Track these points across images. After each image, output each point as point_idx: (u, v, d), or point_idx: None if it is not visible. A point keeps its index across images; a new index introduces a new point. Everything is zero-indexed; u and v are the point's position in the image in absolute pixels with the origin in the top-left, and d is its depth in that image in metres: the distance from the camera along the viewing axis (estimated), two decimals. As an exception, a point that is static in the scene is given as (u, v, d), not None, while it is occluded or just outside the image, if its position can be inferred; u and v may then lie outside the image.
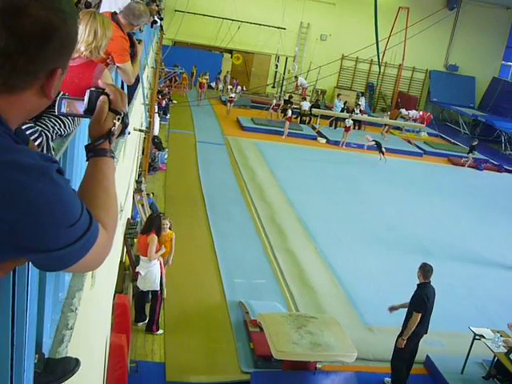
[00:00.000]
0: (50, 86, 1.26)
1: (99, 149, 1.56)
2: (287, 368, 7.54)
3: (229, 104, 27.13)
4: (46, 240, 1.19)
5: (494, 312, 10.91)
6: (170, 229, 9.61)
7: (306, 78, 32.82)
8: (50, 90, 1.26)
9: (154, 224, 8.63)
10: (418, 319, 7.60)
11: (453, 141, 29.96)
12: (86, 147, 1.59)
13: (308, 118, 28.22)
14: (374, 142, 22.20)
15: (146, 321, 8.71)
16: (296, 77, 33.29)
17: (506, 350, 8.02)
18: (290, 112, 25.18)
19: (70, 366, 1.99)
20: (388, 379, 8.15)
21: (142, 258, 8.54)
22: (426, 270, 7.85)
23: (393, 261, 12.79)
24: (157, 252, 8.44)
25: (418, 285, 7.90)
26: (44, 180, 1.17)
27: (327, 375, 7.64)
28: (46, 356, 1.97)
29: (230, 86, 31.15)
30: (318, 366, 7.79)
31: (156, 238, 8.42)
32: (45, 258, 1.22)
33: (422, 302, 7.64)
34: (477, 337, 8.56)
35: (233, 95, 27.56)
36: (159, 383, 7.59)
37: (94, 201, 1.43)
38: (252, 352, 8.44)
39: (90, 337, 3.31)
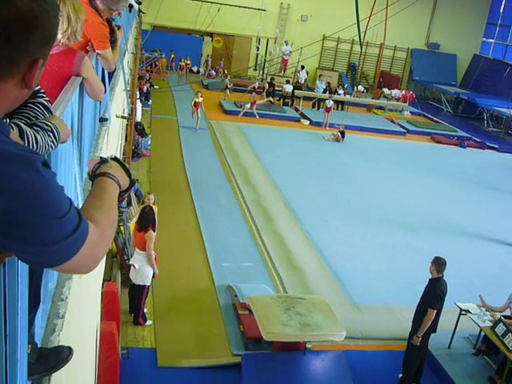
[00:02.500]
0: (31, 77, 1.27)
1: (98, 173, 1.67)
2: (277, 349, 7.61)
3: (227, 91, 27.09)
4: (36, 230, 1.19)
5: (479, 287, 11.06)
6: (153, 204, 9.62)
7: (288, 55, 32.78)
8: (31, 80, 1.27)
9: (148, 219, 8.50)
10: (434, 316, 7.40)
11: (436, 119, 30.08)
12: (90, 178, 1.72)
13: (290, 100, 28.19)
14: (334, 136, 22.25)
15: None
16: (286, 42, 33.20)
17: (491, 324, 8.15)
18: (265, 96, 25.17)
19: (63, 354, 2.00)
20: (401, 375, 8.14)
21: (137, 250, 8.47)
22: (439, 264, 7.48)
23: (379, 239, 12.91)
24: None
25: (431, 280, 7.58)
26: (30, 170, 1.17)
27: (317, 355, 7.73)
28: (39, 346, 1.97)
29: (228, 78, 30.83)
30: (308, 346, 7.87)
31: (153, 234, 8.32)
32: (36, 252, 1.22)
33: (438, 298, 7.37)
34: (463, 312, 8.69)
35: (227, 81, 27.67)
36: (151, 369, 7.64)
37: (88, 204, 1.48)
38: (242, 334, 8.51)
39: (81, 325, 3.32)
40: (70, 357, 2.02)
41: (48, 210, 1.20)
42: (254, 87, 26.90)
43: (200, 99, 21.30)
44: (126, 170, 1.77)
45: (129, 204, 10.39)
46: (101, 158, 1.71)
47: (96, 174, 1.66)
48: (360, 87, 30.64)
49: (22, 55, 1.22)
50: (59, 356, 1.98)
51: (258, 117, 24.16)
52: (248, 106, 24.15)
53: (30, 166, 1.18)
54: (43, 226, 1.20)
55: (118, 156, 11.43)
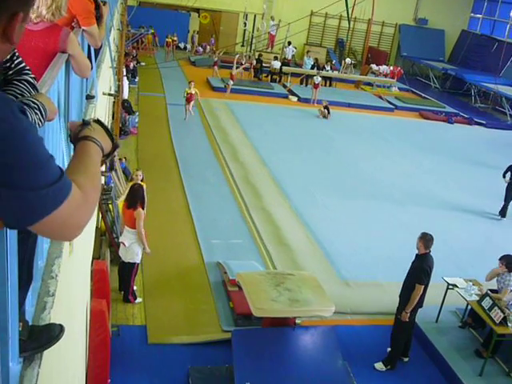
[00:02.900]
0: (12, 30, 1.28)
1: (81, 137, 1.61)
2: (267, 325, 7.67)
3: (215, 68, 26.83)
4: (14, 171, 1.17)
5: (465, 261, 11.20)
6: (141, 181, 9.63)
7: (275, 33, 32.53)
8: (12, 33, 1.29)
9: (137, 196, 8.42)
10: (421, 291, 7.47)
11: (423, 95, 30.10)
12: (71, 141, 1.66)
13: (278, 77, 28.07)
14: (322, 112, 22.28)
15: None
16: (272, 17, 32.93)
17: (478, 298, 8.26)
18: (234, 69, 24.78)
19: (55, 332, 2.01)
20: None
21: (126, 228, 8.44)
22: (426, 240, 7.51)
23: (367, 215, 12.98)
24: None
25: (418, 256, 7.62)
26: (6, 111, 1.18)
27: (306, 330, 7.80)
28: (30, 323, 1.98)
29: (218, 53, 30.34)
30: (297, 321, 7.93)
31: (142, 212, 8.27)
32: (12, 198, 1.19)
33: (425, 273, 7.42)
34: (450, 286, 8.79)
35: (216, 58, 27.33)
36: (141, 346, 7.69)
37: (71, 168, 1.45)
38: (232, 311, 8.57)
39: (71, 303, 3.33)
40: (62, 334, 2.03)
41: (26, 152, 1.19)
42: (241, 63, 26.67)
43: (193, 90, 18.57)
44: (109, 134, 1.72)
45: (111, 168, 10.37)
46: (83, 120, 1.68)
47: (78, 137, 1.60)
48: (348, 60, 30.45)
49: (1, 9, 1.24)
50: (50, 333, 1.99)
51: (228, 91, 23.90)
52: (231, 82, 23.98)
53: (6, 106, 1.19)
54: (21, 168, 1.19)
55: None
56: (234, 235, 11.24)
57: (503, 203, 14.06)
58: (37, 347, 1.90)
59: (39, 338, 1.92)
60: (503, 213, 14.08)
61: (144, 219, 8.40)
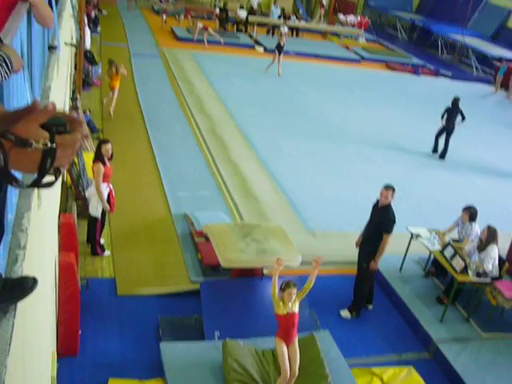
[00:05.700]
0: None
1: None
2: (235, 275, 7.78)
3: (188, 17, 26.26)
4: None
5: (429, 212, 11.45)
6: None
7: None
8: None
9: (99, 152, 8.25)
10: (390, 240, 7.60)
11: (391, 46, 30.06)
12: None
13: (244, 27, 27.66)
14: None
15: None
16: None
17: (440, 248, 8.49)
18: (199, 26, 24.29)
19: (28, 284, 2.02)
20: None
21: (93, 182, 8.38)
22: (395, 191, 7.58)
23: (333, 167, 13.11)
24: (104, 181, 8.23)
25: (382, 206, 7.64)
26: None
27: (274, 280, 7.93)
28: (3, 276, 1.99)
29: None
30: (265, 271, 8.06)
31: (101, 168, 8.11)
32: None
33: (393, 223, 7.53)
34: (414, 236, 9.00)
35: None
36: (111, 297, 7.73)
37: None
38: (200, 262, 8.64)
39: (41, 256, 3.33)
40: (35, 286, 2.05)
41: None
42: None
43: None
44: None
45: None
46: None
47: None
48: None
49: None
50: (24, 285, 2.00)
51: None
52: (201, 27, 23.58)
53: None
54: None
55: (69, 85, 11.14)
56: (201, 187, 11.24)
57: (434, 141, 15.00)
58: (11, 299, 1.92)
59: (13, 290, 1.94)
60: (436, 149, 14.99)
61: (113, 174, 8.34)
